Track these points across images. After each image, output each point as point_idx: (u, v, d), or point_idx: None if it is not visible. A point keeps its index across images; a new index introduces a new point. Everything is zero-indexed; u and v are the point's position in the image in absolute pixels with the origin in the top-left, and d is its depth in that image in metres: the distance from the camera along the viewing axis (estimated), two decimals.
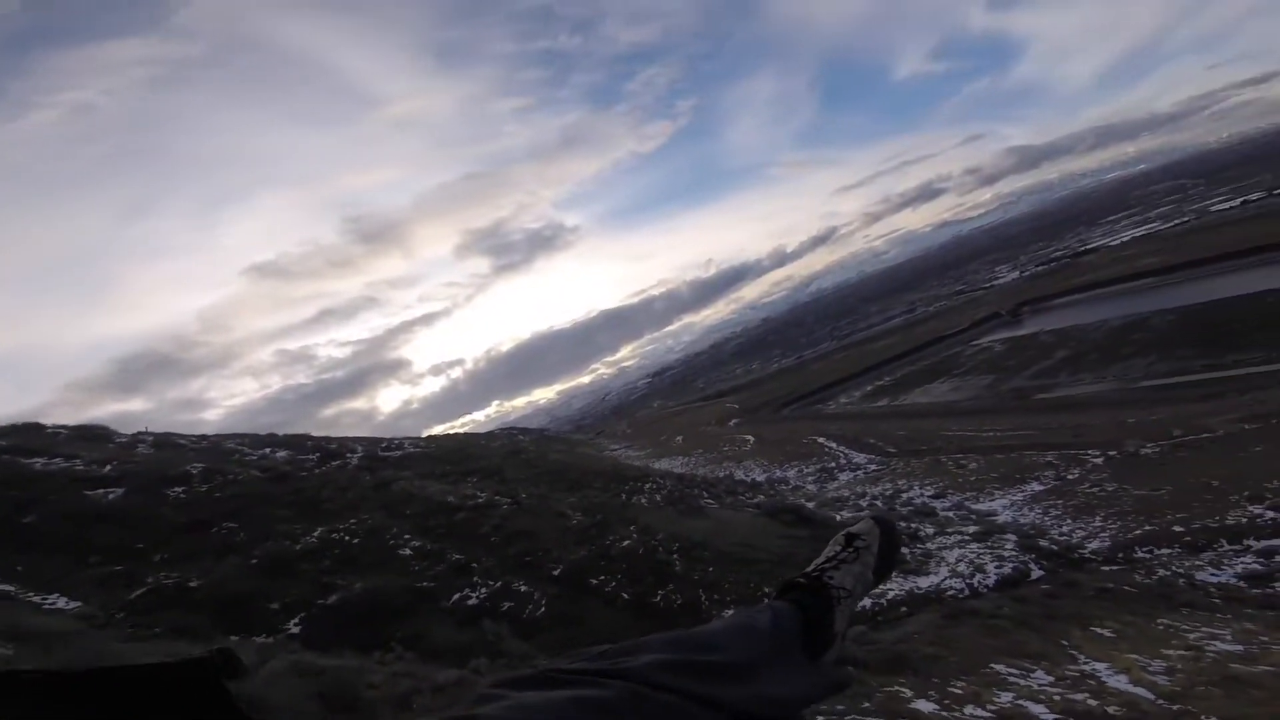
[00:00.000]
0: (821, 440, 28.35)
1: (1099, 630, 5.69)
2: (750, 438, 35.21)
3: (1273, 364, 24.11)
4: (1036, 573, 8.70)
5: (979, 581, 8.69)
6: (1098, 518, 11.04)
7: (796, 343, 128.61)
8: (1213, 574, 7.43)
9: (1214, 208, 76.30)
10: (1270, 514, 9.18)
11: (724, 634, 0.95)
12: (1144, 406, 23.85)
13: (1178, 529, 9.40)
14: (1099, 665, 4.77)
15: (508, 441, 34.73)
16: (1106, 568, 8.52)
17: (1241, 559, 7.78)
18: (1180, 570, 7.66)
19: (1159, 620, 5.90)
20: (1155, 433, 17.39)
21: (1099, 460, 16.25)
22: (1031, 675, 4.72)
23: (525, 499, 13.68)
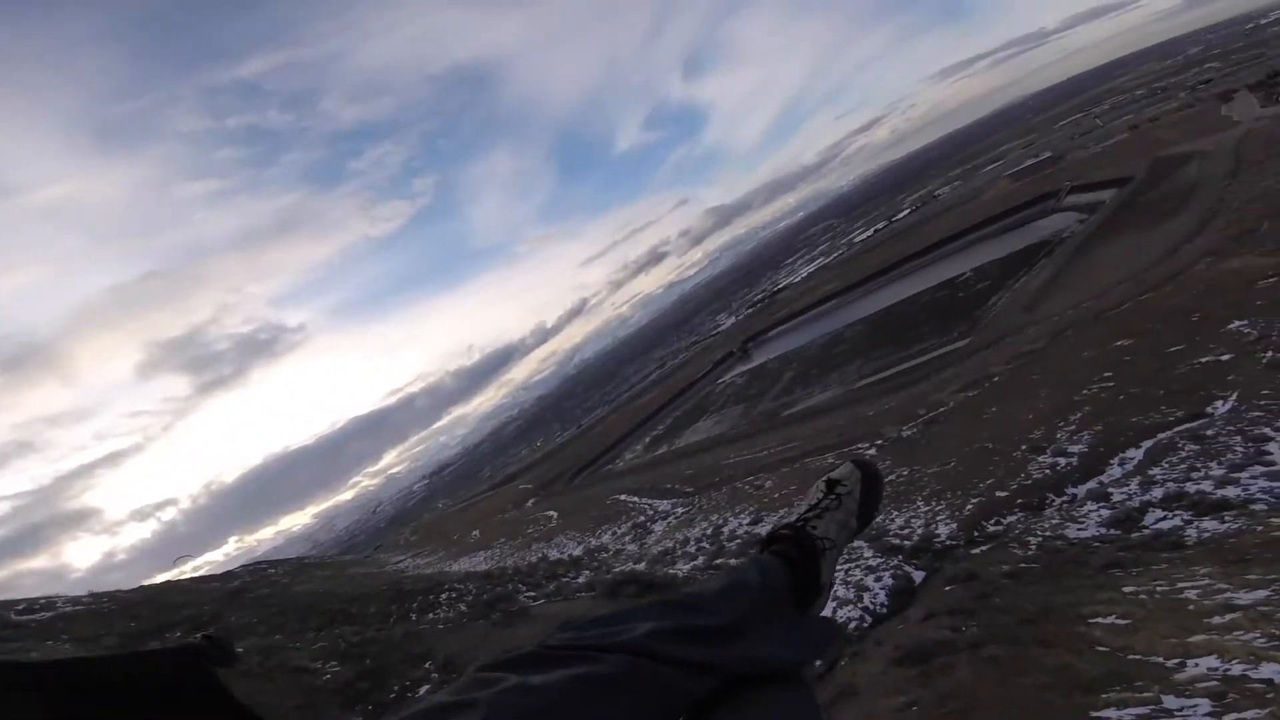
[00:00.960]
0: (623, 497, 26.82)
1: (1111, 621, 4.31)
2: (553, 512, 32.68)
3: (948, 344, 29.41)
4: (918, 576, 7.61)
5: (873, 602, 7.25)
6: (919, 502, 10.71)
7: (573, 414, 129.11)
8: (1079, 530, 7.05)
9: (857, 238, 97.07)
10: (1061, 460, 9.62)
11: (714, 596, 0.92)
12: (872, 400, 26.87)
13: (1000, 494, 9.34)
14: (1205, 663, 3.25)
15: (246, 578, 26.04)
16: (975, 550, 7.80)
17: (1085, 508, 7.63)
18: (1050, 534, 7.18)
19: (1127, 588, 4.83)
20: (902, 417, 18.98)
21: (872, 451, 17.01)
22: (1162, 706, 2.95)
23: (246, 655, 8.83)
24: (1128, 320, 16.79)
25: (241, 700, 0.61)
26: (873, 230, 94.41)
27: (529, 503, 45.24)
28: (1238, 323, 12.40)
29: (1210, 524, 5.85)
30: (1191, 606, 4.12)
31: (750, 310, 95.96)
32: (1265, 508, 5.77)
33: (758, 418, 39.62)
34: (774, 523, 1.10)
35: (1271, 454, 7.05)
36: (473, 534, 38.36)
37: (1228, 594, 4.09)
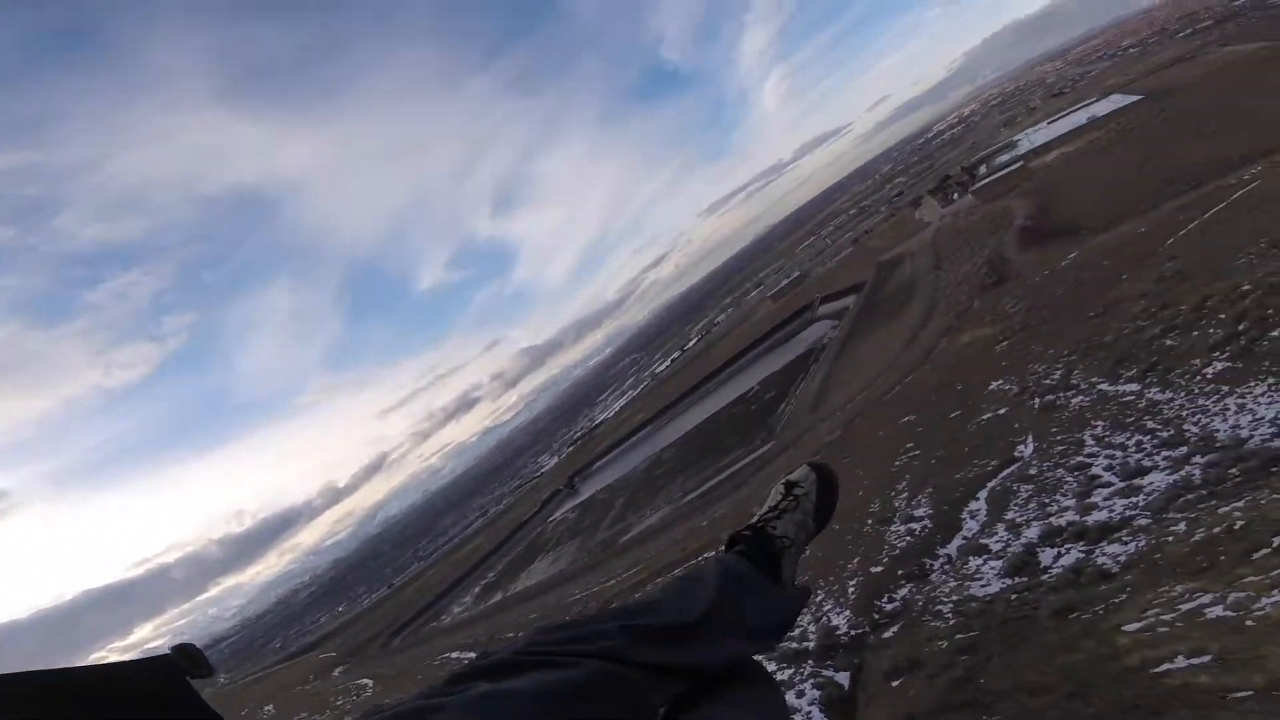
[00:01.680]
0: (455, 654, 22.05)
1: (1184, 663, 3.17)
2: (368, 680, 27.39)
3: (754, 451, 30.75)
4: (843, 678, 6.13)
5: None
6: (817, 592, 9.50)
7: (381, 573, 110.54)
8: (984, 586, 6.30)
9: (658, 369, 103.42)
10: (914, 525, 9.29)
11: (675, 596, 0.94)
12: (702, 512, 26.47)
13: (876, 570, 8.52)
14: None
15: None
16: (887, 634, 6.61)
17: (970, 564, 7.03)
18: (957, 598, 6.32)
19: (1128, 626, 3.87)
20: (736, 521, 18.49)
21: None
22: None
23: None
24: (904, 400, 18.78)
25: (216, 710, 0.60)
26: (670, 360, 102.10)
27: (335, 672, 37.59)
28: (995, 383, 14.25)
29: (1113, 548, 5.54)
30: (1243, 617, 3.32)
31: (571, 448, 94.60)
32: (1150, 519, 5.67)
33: (596, 548, 37.15)
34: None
35: (1102, 475, 7.34)
36: (265, 709, 32.52)
37: (1242, 595, 3.41)
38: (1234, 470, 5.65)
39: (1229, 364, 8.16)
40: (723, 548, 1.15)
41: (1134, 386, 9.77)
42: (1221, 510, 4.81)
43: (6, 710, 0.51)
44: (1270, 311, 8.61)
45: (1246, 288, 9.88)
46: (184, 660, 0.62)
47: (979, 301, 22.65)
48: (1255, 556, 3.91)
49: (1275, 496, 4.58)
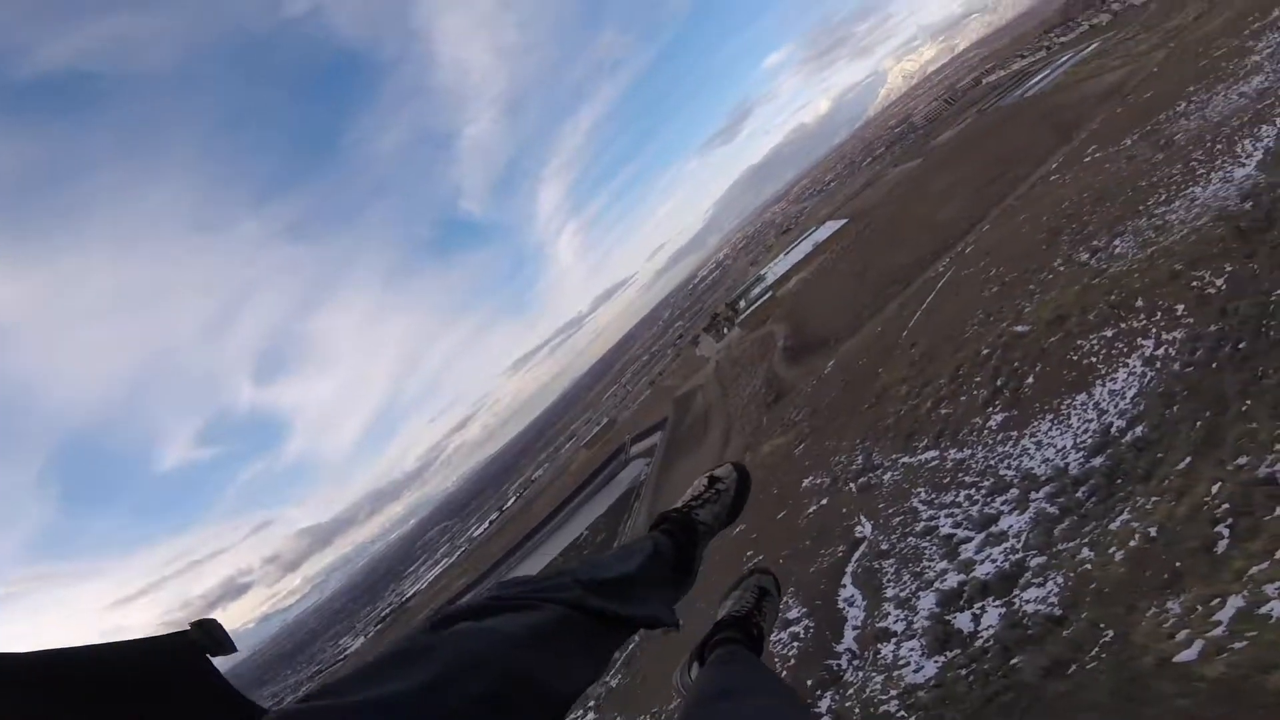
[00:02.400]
0: None
1: None
2: None
3: None
4: None
5: None
6: None
7: None
8: (916, 673, 5.16)
9: (476, 533, 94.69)
10: (797, 629, 8.13)
11: (616, 557, 1.08)
12: None
13: (789, 676, 7.02)
14: None
15: None
16: None
17: (885, 652, 5.92)
18: (893, 693, 5.08)
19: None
20: None
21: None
22: None
23: None
24: None
25: (235, 686, 0.60)
26: (488, 523, 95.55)
27: None
28: (807, 480, 14.68)
29: (1031, 592, 4.96)
30: None
31: (380, 625, 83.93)
32: (1046, 557, 5.33)
33: None
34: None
35: (957, 533, 7.17)
36: None
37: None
38: (1081, 493, 5.84)
39: (1006, 413, 9.20)
40: (651, 525, 1.29)
41: (933, 453, 10.53)
42: (1114, 527, 4.72)
43: (27, 688, 0.48)
44: (1016, 364, 10.13)
45: (986, 351, 11.42)
46: (203, 637, 0.59)
47: (767, 417, 24.65)
48: (1218, 549, 3.66)
49: (1154, 500, 4.64)
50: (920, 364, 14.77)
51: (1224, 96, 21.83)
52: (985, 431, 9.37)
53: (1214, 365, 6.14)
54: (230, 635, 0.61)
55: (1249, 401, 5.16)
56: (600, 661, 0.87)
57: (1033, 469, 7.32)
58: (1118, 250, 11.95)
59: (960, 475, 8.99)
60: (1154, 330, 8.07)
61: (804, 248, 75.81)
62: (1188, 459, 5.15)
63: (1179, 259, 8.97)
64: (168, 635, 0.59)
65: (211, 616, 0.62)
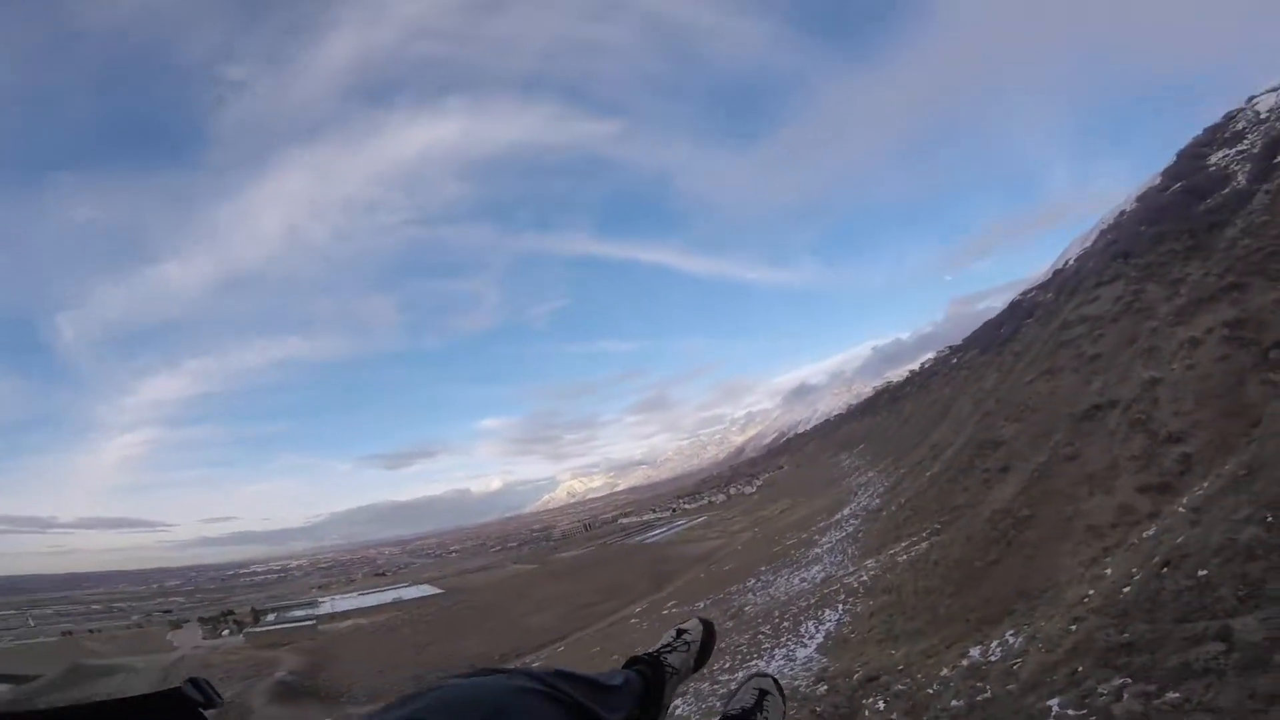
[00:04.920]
0: None
1: None
2: None
3: None
4: None
5: None
6: None
7: None
8: None
9: None
10: None
11: (600, 675, 1.18)
12: None
13: None
14: None
15: None
16: None
17: None
18: None
19: None
20: None
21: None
22: None
23: None
24: None
25: None
26: None
27: None
28: None
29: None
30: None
31: None
32: None
33: None
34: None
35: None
36: None
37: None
38: None
39: None
40: (624, 665, 1.36)
41: None
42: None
43: None
44: None
45: None
46: (196, 693, 0.62)
47: None
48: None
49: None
50: None
51: (787, 580, 27.40)
52: None
53: None
54: (219, 693, 0.62)
55: None
56: None
57: None
58: (677, 714, 12.02)
59: None
60: None
61: (384, 597, 69.23)
62: None
63: None
64: (162, 692, 0.59)
65: (203, 676, 0.65)
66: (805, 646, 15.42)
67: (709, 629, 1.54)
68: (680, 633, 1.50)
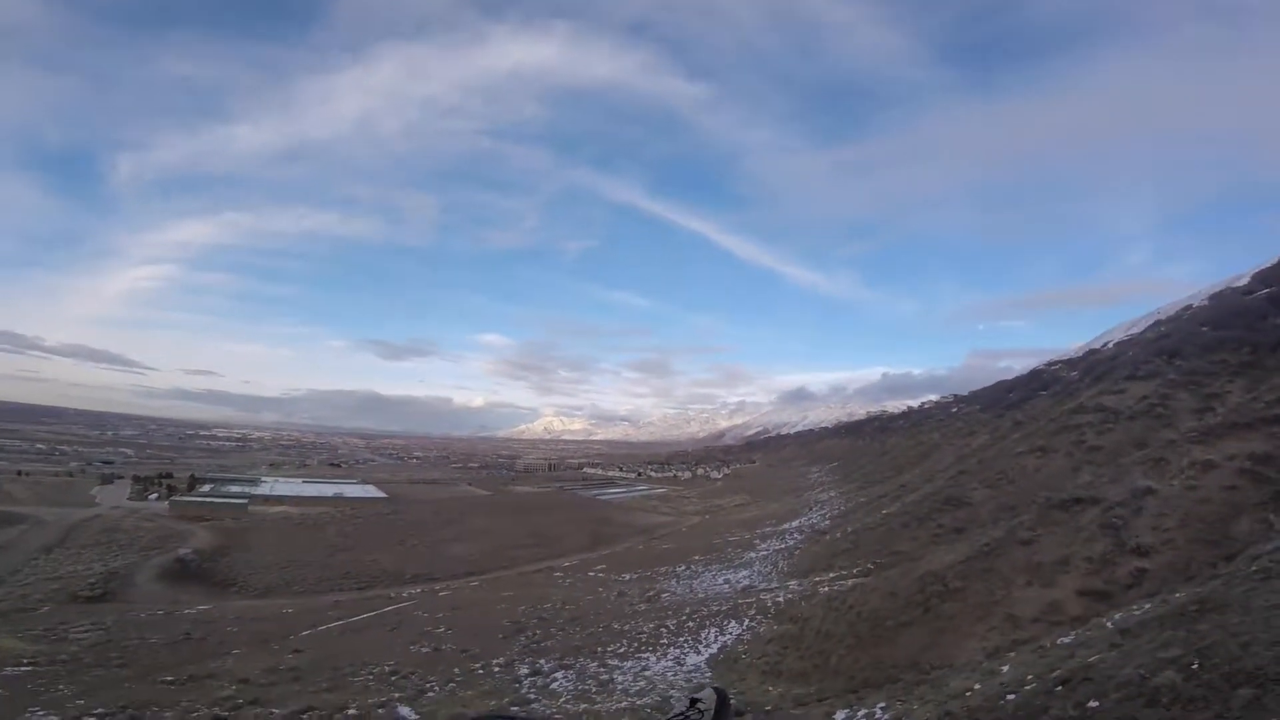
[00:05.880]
0: None
1: None
2: None
3: None
4: None
5: None
6: None
7: None
8: None
9: None
10: None
11: None
12: None
13: None
14: None
15: None
16: None
17: None
18: None
19: None
20: None
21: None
22: None
23: None
24: None
25: None
26: None
27: None
28: None
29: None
30: None
31: None
32: None
33: None
34: None
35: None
36: None
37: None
38: None
39: None
40: None
41: None
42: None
43: None
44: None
45: (352, 712, 10.63)
46: None
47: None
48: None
49: None
50: (279, 676, 13.40)
51: (713, 577, 27.54)
52: None
53: None
54: None
55: None
56: None
57: None
58: (554, 685, 12.51)
59: None
60: None
61: (325, 490, 70.20)
62: None
63: None
64: None
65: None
66: (699, 654, 15.40)
67: (723, 699, 1.42)
68: (693, 702, 1.42)
